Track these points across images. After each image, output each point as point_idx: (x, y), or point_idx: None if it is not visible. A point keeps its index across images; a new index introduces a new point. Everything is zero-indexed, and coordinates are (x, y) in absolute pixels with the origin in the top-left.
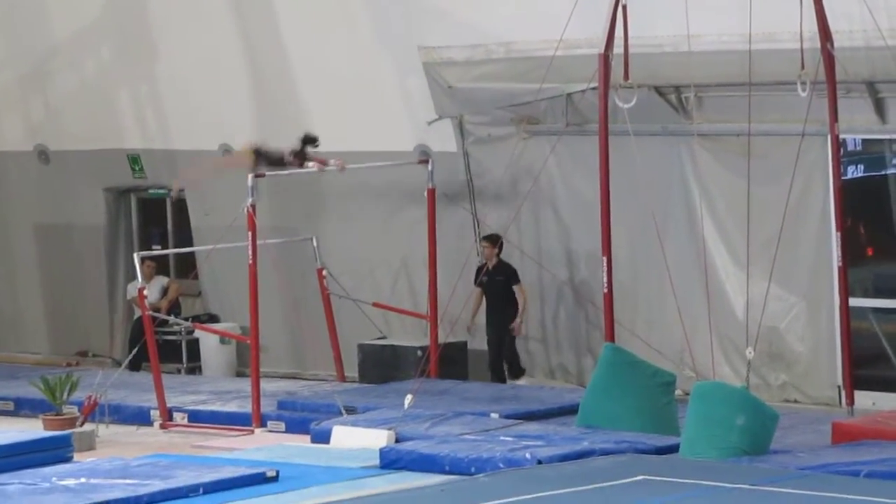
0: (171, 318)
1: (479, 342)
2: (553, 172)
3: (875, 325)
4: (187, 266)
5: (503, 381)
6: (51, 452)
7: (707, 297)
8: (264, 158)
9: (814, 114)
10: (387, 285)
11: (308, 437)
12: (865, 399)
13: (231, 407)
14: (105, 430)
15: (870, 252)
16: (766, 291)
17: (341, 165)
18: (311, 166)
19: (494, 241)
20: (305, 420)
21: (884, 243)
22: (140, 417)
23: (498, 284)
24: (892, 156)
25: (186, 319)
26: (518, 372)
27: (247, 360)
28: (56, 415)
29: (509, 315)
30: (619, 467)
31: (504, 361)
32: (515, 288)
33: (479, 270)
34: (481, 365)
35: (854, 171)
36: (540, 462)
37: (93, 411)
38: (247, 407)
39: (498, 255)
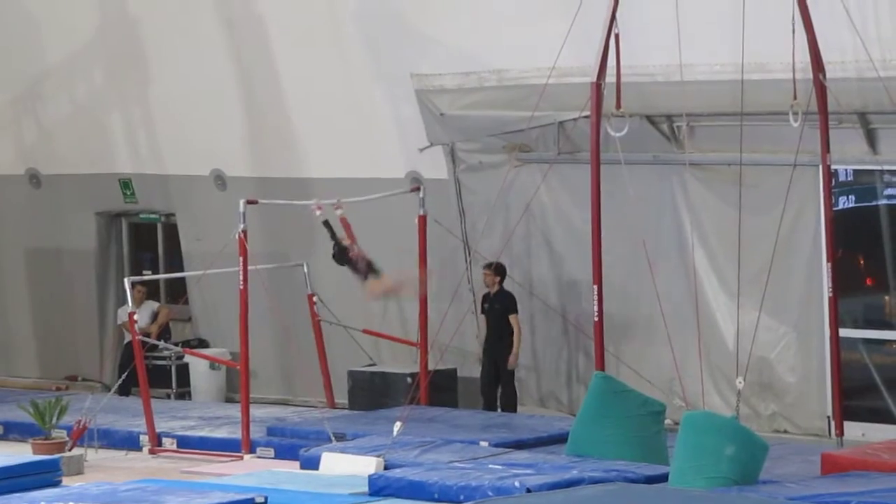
0: (161, 343)
1: (468, 369)
2: (544, 200)
3: (865, 356)
4: (178, 291)
5: (494, 408)
6: (39, 477)
7: (697, 327)
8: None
9: (805, 144)
10: (377, 312)
11: (297, 464)
12: (855, 430)
13: (220, 432)
14: (94, 455)
15: (868, 282)
16: (756, 321)
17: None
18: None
19: (497, 269)
20: (295, 446)
21: (875, 274)
22: (129, 442)
23: (496, 313)
24: (883, 186)
25: (176, 344)
26: (512, 409)
27: (236, 386)
28: (45, 439)
29: (505, 344)
30: (608, 496)
31: (498, 395)
32: (511, 318)
33: (482, 298)
34: (471, 392)
35: (845, 202)
36: (529, 490)
37: (82, 436)
38: (236, 433)
39: (500, 283)
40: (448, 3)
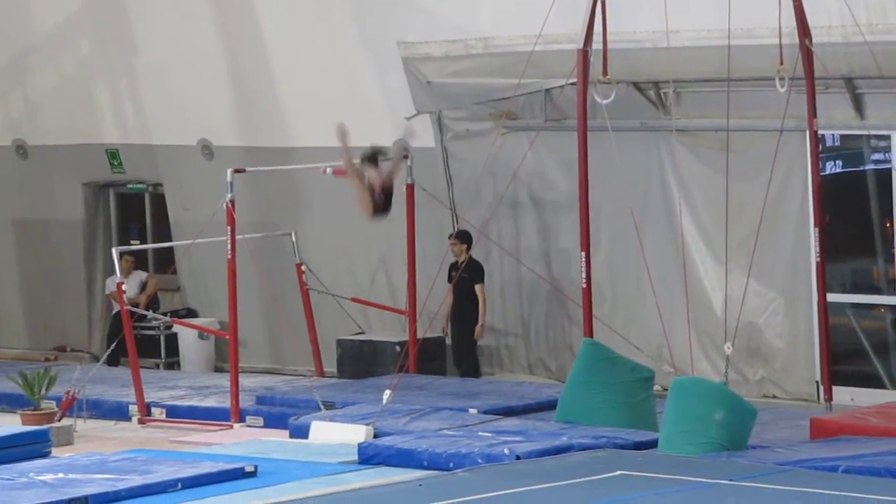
0: (150, 313)
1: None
2: (531, 168)
3: (853, 321)
4: (166, 261)
5: (468, 376)
6: (29, 447)
7: (686, 293)
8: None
9: (792, 109)
10: (365, 281)
11: (286, 433)
12: (844, 395)
13: (209, 402)
14: (83, 425)
15: (856, 247)
16: (744, 287)
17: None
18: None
19: (463, 237)
20: (284, 415)
21: (862, 239)
22: (118, 412)
23: (463, 282)
24: (870, 151)
25: (165, 314)
26: (476, 372)
27: (225, 356)
28: (34, 410)
29: (471, 314)
30: (598, 462)
31: (464, 362)
32: (477, 288)
33: (450, 267)
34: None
35: (832, 167)
36: (518, 457)
37: (71, 406)
38: (225, 402)
39: (467, 250)
40: None
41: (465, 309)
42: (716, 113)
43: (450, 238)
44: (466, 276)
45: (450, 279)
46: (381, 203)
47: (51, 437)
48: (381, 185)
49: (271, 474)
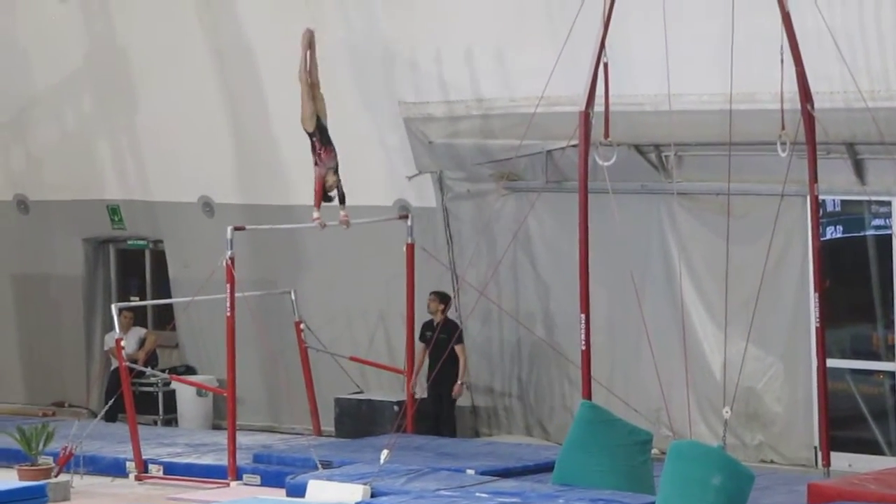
0: (148, 370)
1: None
2: (532, 229)
3: (852, 387)
4: (165, 317)
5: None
6: (25, 503)
7: (685, 356)
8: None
9: (793, 174)
10: (364, 339)
11: (283, 491)
12: (842, 460)
13: (207, 459)
14: (80, 482)
15: (856, 313)
16: (743, 351)
17: (346, 220)
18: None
19: (443, 297)
20: (281, 474)
21: (862, 305)
22: (115, 469)
23: (440, 342)
24: (871, 217)
25: (163, 371)
26: (451, 434)
27: (223, 413)
28: (31, 465)
29: (450, 374)
30: None
31: (445, 425)
32: (457, 348)
33: (424, 326)
34: (458, 421)
35: (833, 232)
36: None
37: (68, 462)
38: (223, 460)
39: (444, 312)
40: (436, 32)
41: (444, 370)
42: (717, 176)
43: (430, 295)
44: (444, 337)
45: (422, 338)
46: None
47: (48, 492)
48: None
49: None
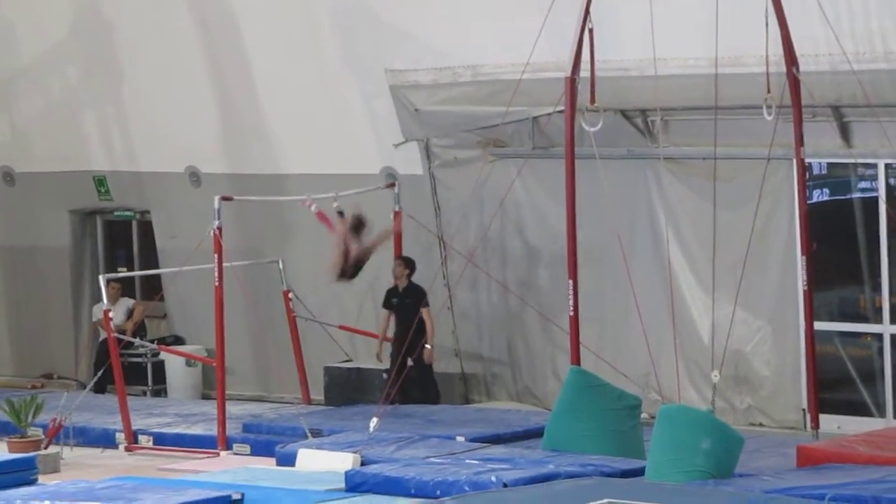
0: (137, 341)
1: (444, 364)
2: (519, 195)
3: (840, 349)
4: (153, 288)
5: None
6: (15, 475)
7: (673, 321)
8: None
9: (779, 138)
10: (353, 308)
11: (273, 460)
12: (830, 423)
13: (196, 429)
14: (70, 453)
15: (843, 275)
16: (731, 315)
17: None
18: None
19: (408, 262)
20: (271, 443)
21: (849, 267)
22: (105, 440)
23: (407, 307)
24: (857, 180)
25: (152, 342)
26: (435, 399)
27: (212, 383)
28: (21, 437)
29: (417, 339)
30: (585, 490)
31: (418, 389)
32: (423, 311)
33: (388, 293)
34: (447, 388)
35: (819, 195)
36: (505, 485)
37: (58, 434)
38: (212, 429)
39: (409, 276)
40: None
41: (414, 336)
42: (703, 141)
43: (395, 259)
44: (410, 302)
45: (386, 304)
46: (350, 272)
47: (37, 464)
48: (357, 255)
49: (258, 502)
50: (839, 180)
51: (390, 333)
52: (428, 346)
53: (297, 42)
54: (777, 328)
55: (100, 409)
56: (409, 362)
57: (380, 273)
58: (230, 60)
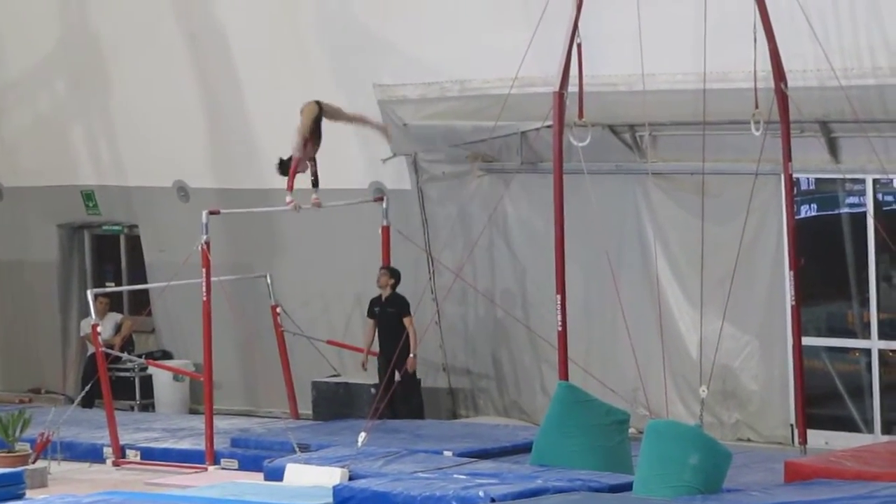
0: (125, 355)
1: (432, 379)
2: (508, 210)
3: (828, 364)
4: (141, 303)
5: (392, 417)
6: (3, 490)
7: (661, 336)
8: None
9: (767, 153)
10: (340, 322)
11: (261, 475)
12: (818, 438)
13: (184, 444)
14: (57, 468)
15: (830, 291)
16: (719, 330)
17: (317, 203)
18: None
19: (393, 272)
20: (259, 457)
21: (837, 283)
22: (93, 454)
23: (390, 316)
24: (845, 195)
25: (140, 356)
26: (419, 413)
27: (200, 397)
28: (8, 452)
29: (404, 353)
30: None
31: (402, 401)
32: (406, 321)
33: (371, 302)
34: (435, 402)
35: (807, 211)
36: (493, 500)
37: (45, 448)
38: (200, 444)
39: (393, 287)
40: (410, 13)
41: (393, 345)
42: (691, 156)
43: (381, 269)
44: (393, 311)
45: (370, 314)
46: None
47: (25, 479)
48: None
49: None
50: (827, 196)
51: (375, 343)
52: (411, 354)
53: (285, 56)
54: (765, 343)
55: (87, 424)
56: (397, 377)
57: (366, 288)
58: (218, 75)
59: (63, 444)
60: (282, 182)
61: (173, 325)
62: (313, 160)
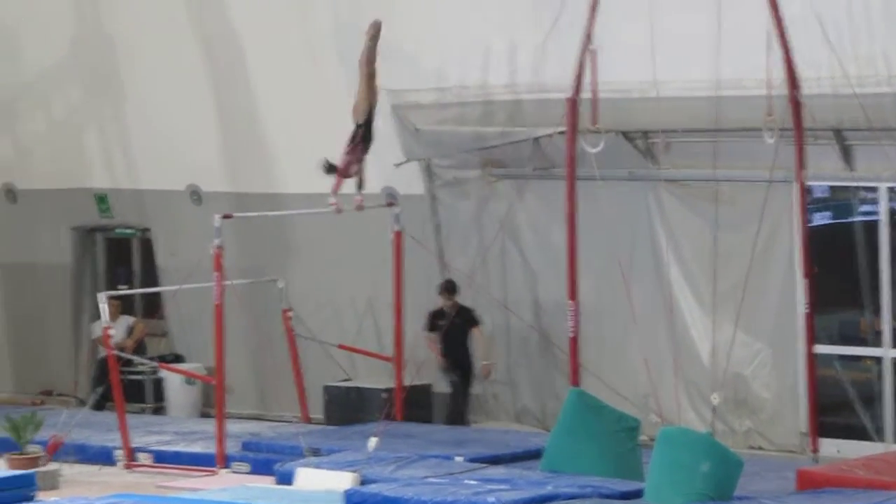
0: (137, 358)
1: (443, 385)
2: (520, 216)
3: (840, 373)
4: (153, 306)
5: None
6: (14, 492)
7: (673, 343)
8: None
9: (781, 161)
10: (352, 327)
11: (272, 479)
12: (830, 446)
13: (195, 447)
14: (69, 470)
15: (843, 299)
16: (731, 337)
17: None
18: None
19: (451, 288)
20: (270, 461)
21: (850, 290)
22: (104, 457)
23: (456, 328)
24: (858, 203)
25: (152, 359)
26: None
27: (212, 401)
28: (20, 454)
29: (465, 362)
30: None
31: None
32: (475, 331)
33: (433, 315)
34: (446, 408)
35: (821, 218)
36: None
37: (57, 450)
38: (211, 447)
39: (453, 299)
40: (423, 19)
41: (462, 355)
42: (704, 163)
43: (439, 293)
44: (459, 322)
45: (432, 327)
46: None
47: (36, 481)
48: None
49: None
50: (841, 203)
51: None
52: (484, 361)
53: (298, 62)
54: (777, 351)
55: (99, 427)
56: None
57: (378, 293)
58: (232, 79)
59: (74, 446)
60: (295, 187)
61: (185, 328)
62: (362, 161)
